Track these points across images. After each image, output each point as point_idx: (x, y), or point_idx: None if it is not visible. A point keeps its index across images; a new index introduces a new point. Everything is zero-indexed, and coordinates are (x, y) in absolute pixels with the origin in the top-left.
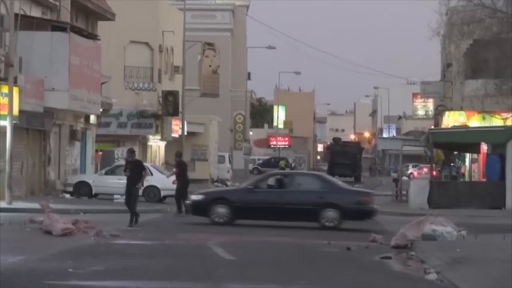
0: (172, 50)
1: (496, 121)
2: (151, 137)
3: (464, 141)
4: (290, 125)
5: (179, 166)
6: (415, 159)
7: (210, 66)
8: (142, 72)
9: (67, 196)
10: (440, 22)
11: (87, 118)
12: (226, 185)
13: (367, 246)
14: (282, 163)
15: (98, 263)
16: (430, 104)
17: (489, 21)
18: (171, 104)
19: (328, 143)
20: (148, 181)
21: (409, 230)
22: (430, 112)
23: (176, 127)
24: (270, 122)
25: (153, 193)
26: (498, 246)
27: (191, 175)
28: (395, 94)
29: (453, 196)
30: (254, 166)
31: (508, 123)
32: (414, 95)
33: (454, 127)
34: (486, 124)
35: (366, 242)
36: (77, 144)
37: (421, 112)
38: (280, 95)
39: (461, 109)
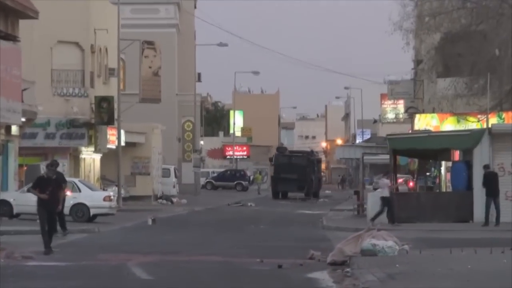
0: (106, 50)
1: (472, 125)
2: (83, 149)
3: (426, 147)
4: (249, 133)
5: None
6: (398, 169)
7: (150, 67)
8: (72, 76)
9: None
10: (403, 14)
11: (8, 128)
12: (172, 202)
13: (301, 264)
14: (258, 177)
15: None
16: (401, 106)
17: (458, 12)
18: (105, 112)
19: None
20: (76, 198)
21: (347, 245)
22: (401, 116)
23: (113, 137)
24: (227, 129)
25: (81, 211)
26: (441, 260)
27: (132, 190)
28: (369, 95)
29: (415, 209)
30: (207, 180)
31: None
32: (382, 97)
33: (414, 132)
34: (461, 128)
35: (302, 260)
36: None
37: (390, 116)
38: (239, 98)
39: (433, 111)
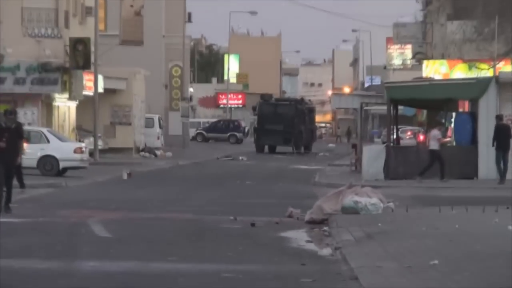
0: None
1: (486, 73)
2: (57, 95)
3: (428, 97)
4: (245, 79)
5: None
6: (405, 120)
7: (131, 6)
8: (45, 15)
9: None
10: None
11: None
12: (155, 155)
13: (277, 222)
14: None
15: None
16: (409, 51)
17: None
18: (81, 55)
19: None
20: (43, 150)
21: (327, 202)
22: (408, 61)
23: (90, 83)
24: (222, 75)
25: (49, 164)
26: (428, 219)
27: (111, 142)
28: (379, 39)
29: (414, 165)
30: (198, 131)
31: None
32: (388, 41)
33: (415, 79)
34: (472, 76)
35: (279, 218)
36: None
37: (397, 62)
38: (236, 40)
39: (442, 57)
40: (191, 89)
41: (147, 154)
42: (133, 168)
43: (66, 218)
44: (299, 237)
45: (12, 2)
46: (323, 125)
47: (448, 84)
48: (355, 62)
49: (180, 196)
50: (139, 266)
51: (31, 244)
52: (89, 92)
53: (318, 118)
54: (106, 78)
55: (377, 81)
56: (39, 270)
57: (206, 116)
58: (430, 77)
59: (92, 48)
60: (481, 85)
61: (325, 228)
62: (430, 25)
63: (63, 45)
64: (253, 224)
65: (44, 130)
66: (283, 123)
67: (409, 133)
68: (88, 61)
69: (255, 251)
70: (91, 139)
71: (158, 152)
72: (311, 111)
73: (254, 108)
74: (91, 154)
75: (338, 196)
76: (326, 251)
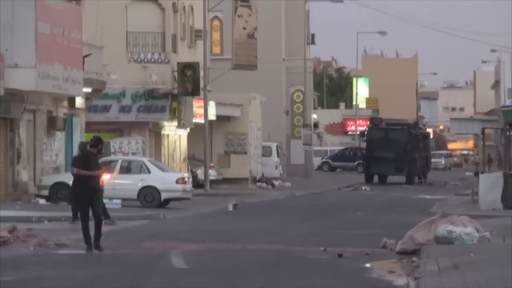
0: (192, 8)
1: None
2: (165, 124)
3: None
4: (375, 104)
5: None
6: None
7: (244, 28)
8: (151, 39)
9: (42, 201)
10: None
11: (71, 101)
12: (273, 186)
13: (368, 253)
14: None
15: (14, 274)
16: None
17: None
18: (189, 80)
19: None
20: (144, 180)
21: (419, 232)
22: None
23: (200, 110)
24: (350, 100)
25: (151, 195)
26: None
27: (226, 172)
28: None
29: None
30: (323, 159)
31: None
32: None
33: None
34: None
35: (372, 249)
36: (59, 135)
37: None
38: (369, 62)
39: None
40: (315, 115)
41: (264, 185)
42: (244, 199)
43: (149, 250)
44: (383, 267)
45: (116, 26)
46: (465, 152)
47: None
48: (496, 84)
49: (280, 227)
50: None
51: (101, 276)
52: (200, 120)
53: (460, 145)
54: (219, 104)
55: None
56: None
57: (333, 144)
58: None
59: (202, 73)
60: None
61: (414, 258)
62: None
63: (170, 70)
64: (340, 255)
65: (145, 159)
66: (394, 150)
67: None
68: (198, 86)
69: (329, 282)
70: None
71: (276, 182)
72: (426, 137)
73: (362, 134)
74: (203, 184)
75: (431, 225)
76: (401, 281)
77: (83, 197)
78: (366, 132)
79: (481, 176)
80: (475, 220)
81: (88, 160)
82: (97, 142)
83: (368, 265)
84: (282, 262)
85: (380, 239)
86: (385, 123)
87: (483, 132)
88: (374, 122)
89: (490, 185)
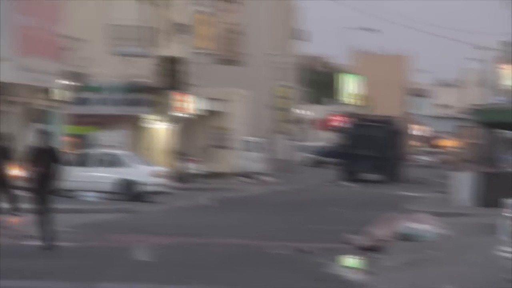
0: (174, 2)
1: None
2: (146, 117)
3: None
4: (363, 101)
5: None
6: None
7: (228, 23)
8: (132, 32)
9: (20, 193)
10: None
11: (50, 93)
12: (256, 180)
13: (331, 248)
14: None
15: None
16: None
17: None
18: (171, 74)
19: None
20: (121, 173)
21: (379, 228)
22: None
23: (182, 104)
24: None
25: (127, 189)
26: (483, 247)
27: (210, 166)
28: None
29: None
30: (309, 155)
31: None
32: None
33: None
34: None
35: (335, 244)
36: (37, 126)
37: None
38: (361, 59)
39: None
40: (302, 111)
41: (246, 179)
42: (223, 194)
43: (114, 243)
44: (342, 263)
45: (97, 20)
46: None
47: None
48: (484, 82)
49: (252, 222)
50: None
51: (59, 267)
52: (182, 114)
53: (447, 142)
54: (203, 99)
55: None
56: None
57: (320, 139)
58: None
59: (184, 68)
60: None
61: (373, 254)
62: None
63: (151, 64)
64: (302, 250)
65: (122, 152)
66: (374, 147)
67: None
68: (179, 81)
69: (283, 276)
70: (189, 163)
71: (259, 178)
72: (400, 134)
73: (340, 130)
74: (183, 178)
75: (391, 222)
76: (355, 276)
77: None
78: (346, 129)
79: (453, 174)
80: (437, 218)
81: None
82: None
83: (326, 260)
84: (244, 256)
85: (343, 234)
86: (363, 119)
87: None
88: (355, 117)
89: (462, 183)
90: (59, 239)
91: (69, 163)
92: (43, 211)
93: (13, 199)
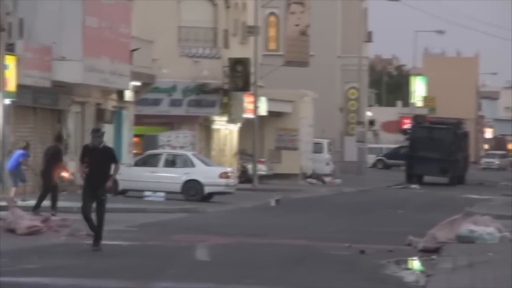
0: (245, 5)
1: None
2: (215, 118)
3: None
4: (432, 102)
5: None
6: None
7: (296, 25)
8: (202, 34)
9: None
10: None
11: (120, 94)
12: (323, 182)
13: (391, 250)
14: None
15: (39, 262)
16: None
17: None
18: (240, 76)
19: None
20: (188, 174)
21: (441, 230)
22: None
23: (251, 106)
24: (407, 98)
25: (194, 189)
26: None
27: (277, 168)
28: None
29: None
30: (378, 157)
31: None
32: None
33: None
34: None
35: (396, 246)
36: (107, 127)
37: None
38: (431, 61)
39: None
40: (370, 113)
41: (314, 181)
42: (290, 195)
43: (176, 243)
44: (401, 264)
45: (168, 21)
46: None
47: None
48: None
49: (314, 223)
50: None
51: (120, 266)
52: (250, 115)
53: None
54: (270, 100)
55: None
56: None
57: (389, 142)
58: None
59: (253, 69)
60: None
61: (434, 256)
62: None
63: (221, 65)
64: (362, 252)
65: (189, 153)
66: (438, 149)
67: None
68: (248, 82)
69: (341, 277)
70: (256, 164)
71: (326, 179)
72: (466, 136)
73: (404, 132)
74: (250, 179)
75: (453, 224)
76: (411, 278)
77: None
78: (409, 130)
79: None
80: (498, 220)
81: None
82: None
83: (386, 261)
84: (303, 257)
85: (407, 236)
86: (429, 122)
87: None
88: (418, 120)
89: None
90: (119, 239)
91: (136, 164)
92: (95, 211)
93: (55, 199)
